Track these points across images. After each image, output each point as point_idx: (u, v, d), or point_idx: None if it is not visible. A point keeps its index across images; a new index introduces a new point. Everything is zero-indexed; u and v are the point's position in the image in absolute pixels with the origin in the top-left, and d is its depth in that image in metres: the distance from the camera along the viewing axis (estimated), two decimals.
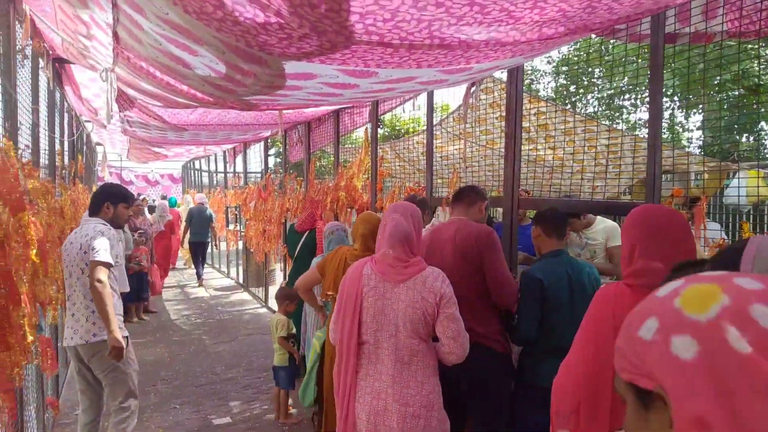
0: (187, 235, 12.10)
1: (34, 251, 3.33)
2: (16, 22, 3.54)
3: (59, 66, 5.45)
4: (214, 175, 15.38)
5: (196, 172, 17.79)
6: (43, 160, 4.77)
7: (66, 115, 6.40)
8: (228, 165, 13.45)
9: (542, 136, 5.20)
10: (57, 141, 5.50)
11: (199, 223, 11.97)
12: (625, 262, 2.19)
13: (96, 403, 4.09)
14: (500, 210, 4.45)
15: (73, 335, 3.89)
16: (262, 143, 10.47)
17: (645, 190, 3.08)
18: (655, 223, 2.11)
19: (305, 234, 6.38)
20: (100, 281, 3.72)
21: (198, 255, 12.20)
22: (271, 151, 13.65)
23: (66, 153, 6.20)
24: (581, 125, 5.09)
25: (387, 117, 10.43)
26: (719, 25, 3.06)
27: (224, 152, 13.22)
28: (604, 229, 4.55)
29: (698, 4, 3.03)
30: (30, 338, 3.03)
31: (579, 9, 2.11)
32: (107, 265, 3.79)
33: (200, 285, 12.08)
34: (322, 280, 4.01)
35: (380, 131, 6.42)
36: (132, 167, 20.42)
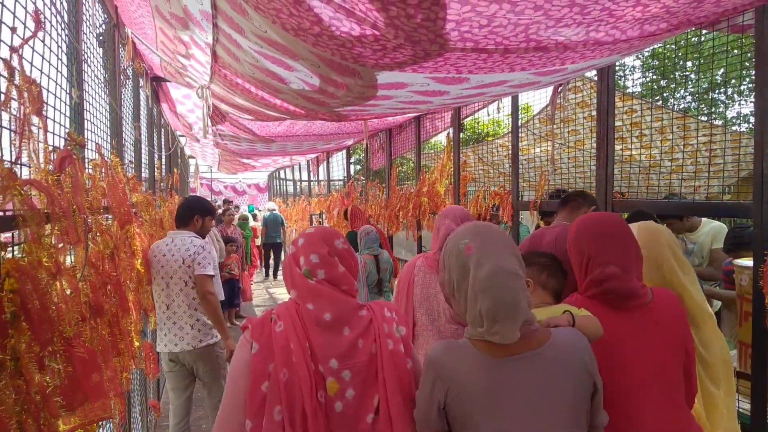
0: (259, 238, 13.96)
1: (139, 261, 3.52)
2: (120, 46, 3.77)
3: (156, 84, 5.74)
4: (298, 183, 15.76)
5: (281, 181, 18.30)
6: (144, 173, 5.03)
7: (162, 130, 6.74)
8: (311, 173, 13.78)
9: (634, 134, 5.01)
10: (156, 155, 5.79)
11: (272, 227, 13.61)
12: (581, 274, 2.14)
13: (185, 403, 4.35)
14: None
15: (178, 342, 4.13)
16: (345, 151, 10.64)
17: (753, 190, 2.90)
18: (605, 231, 2.12)
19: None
20: (211, 293, 4.00)
21: (269, 255, 14.01)
22: (353, 159, 13.87)
23: (163, 166, 6.52)
24: (676, 122, 4.86)
25: (467, 120, 10.37)
26: None
27: (308, 161, 13.54)
28: (709, 231, 4.30)
29: None
30: (136, 344, 3.19)
31: (684, 4, 2.02)
32: (212, 278, 4.05)
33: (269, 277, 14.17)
34: None
35: (461, 135, 6.38)
36: (221, 178, 21.24)
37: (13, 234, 1.71)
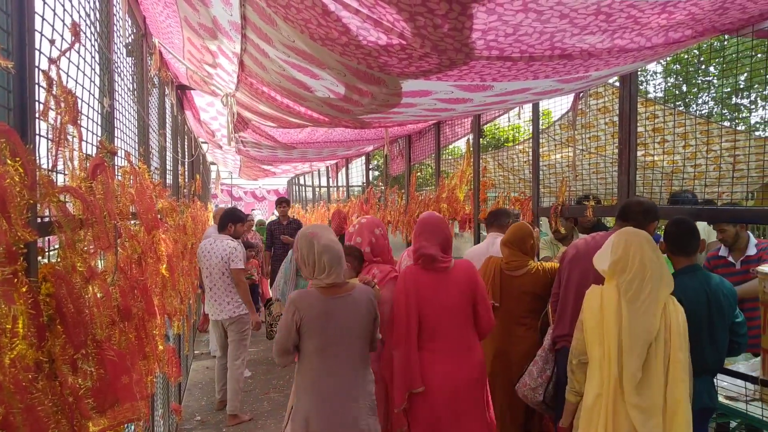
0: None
1: (164, 266, 3.58)
2: (148, 55, 3.84)
3: (180, 92, 5.83)
4: (318, 189, 15.85)
5: (301, 186, 18.40)
6: (169, 180, 5.11)
7: (186, 137, 6.83)
8: (331, 179, 13.84)
9: (657, 140, 4.98)
10: (179, 162, 5.87)
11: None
12: (414, 254, 3.41)
13: (224, 350, 5.90)
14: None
15: (220, 312, 5.64)
16: (364, 157, 10.68)
17: None
18: (424, 226, 3.41)
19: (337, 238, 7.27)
20: (242, 281, 5.61)
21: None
22: (372, 165, 13.92)
23: (187, 173, 6.61)
24: (698, 127, 4.83)
25: (487, 126, 10.35)
26: None
27: (327, 167, 13.62)
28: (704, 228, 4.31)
29: None
30: (161, 347, 3.24)
31: (709, 11, 2.02)
32: (243, 270, 5.60)
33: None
34: None
35: (481, 141, 6.38)
36: (241, 184, 21.44)
37: (49, 239, 1.75)
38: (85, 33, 2.19)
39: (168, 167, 5.01)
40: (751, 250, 4.19)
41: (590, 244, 3.45)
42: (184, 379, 6.41)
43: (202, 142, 8.98)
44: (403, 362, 3.22)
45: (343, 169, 12.03)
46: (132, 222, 2.88)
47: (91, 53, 2.29)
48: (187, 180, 6.56)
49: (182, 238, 5.07)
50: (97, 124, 2.46)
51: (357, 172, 11.76)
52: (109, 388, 1.92)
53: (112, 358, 1.95)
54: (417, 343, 3.25)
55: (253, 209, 20.38)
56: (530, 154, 5.30)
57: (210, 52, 3.24)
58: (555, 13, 1.83)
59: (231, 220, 5.73)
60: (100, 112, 2.51)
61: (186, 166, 6.57)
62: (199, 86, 4.79)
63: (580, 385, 2.81)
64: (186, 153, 6.73)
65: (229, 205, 12.49)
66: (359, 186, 11.86)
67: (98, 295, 1.93)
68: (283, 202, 8.94)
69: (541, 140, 5.79)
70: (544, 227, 6.24)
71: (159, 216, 3.54)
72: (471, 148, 6.19)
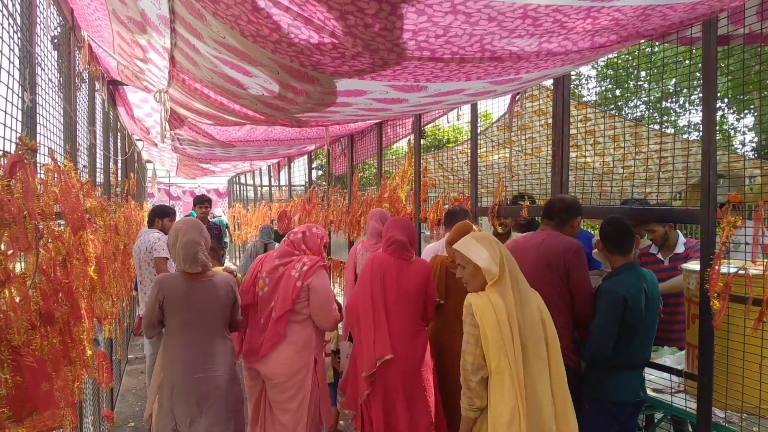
0: None
1: (92, 268, 3.45)
2: (76, 49, 3.69)
3: (113, 88, 5.64)
4: (259, 188, 15.63)
5: (242, 186, 18.11)
6: (99, 178, 4.94)
7: (119, 134, 6.61)
8: (272, 179, 13.67)
9: (589, 142, 5.14)
10: (111, 160, 5.69)
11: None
12: (384, 244, 3.95)
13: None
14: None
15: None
16: (306, 157, 10.60)
17: (701, 197, 3.02)
18: (395, 222, 4.00)
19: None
20: (166, 269, 5.44)
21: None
22: (314, 164, 13.82)
23: (119, 171, 6.40)
24: (629, 130, 5.00)
25: (429, 127, 10.45)
26: None
27: (269, 166, 13.44)
28: None
29: (753, 5, 2.95)
30: (89, 352, 3.13)
31: (632, 17, 2.09)
32: (166, 259, 5.37)
33: None
34: None
35: (422, 141, 6.44)
36: (179, 183, 20.93)
37: None
38: (1, 24, 2.08)
39: (99, 165, 4.84)
40: (680, 249, 4.37)
41: (520, 244, 3.52)
42: (117, 384, 6.20)
43: (137, 140, 8.71)
44: (372, 333, 3.70)
45: (285, 168, 11.91)
46: (56, 222, 2.77)
47: (9, 45, 2.18)
48: (119, 178, 6.36)
49: (114, 238, 4.91)
50: (18, 120, 2.35)
51: (299, 172, 11.66)
52: (27, 396, 1.84)
53: (31, 364, 1.87)
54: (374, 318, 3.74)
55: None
56: (469, 154, 5.38)
57: (140, 46, 3.15)
58: (483, 15, 1.85)
59: (157, 216, 5.88)
60: (20, 107, 2.40)
61: (119, 164, 6.37)
62: (132, 82, 4.64)
63: (481, 400, 2.64)
64: (119, 151, 6.51)
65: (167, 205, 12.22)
66: (302, 185, 11.76)
67: (16, 299, 1.85)
68: (204, 202, 7.83)
69: (480, 141, 5.89)
70: (485, 228, 6.35)
71: (87, 216, 3.42)
72: (412, 149, 6.23)
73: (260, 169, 14.56)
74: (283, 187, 12.60)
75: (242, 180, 17.69)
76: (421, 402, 3.69)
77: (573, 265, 3.25)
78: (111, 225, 4.82)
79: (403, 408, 3.67)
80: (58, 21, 3.33)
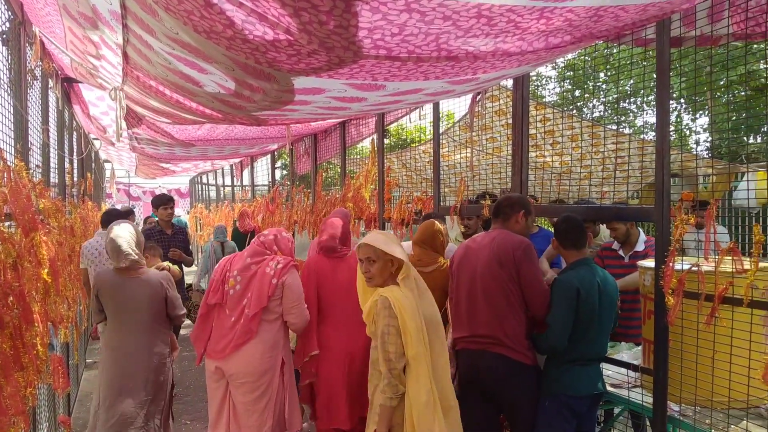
0: None
1: (46, 270, 3.36)
2: (27, 45, 3.58)
3: (68, 86, 5.50)
4: (222, 188, 15.44)
5: (204, 186, 17.86)
6: (54, 179, 4.81)
7: (75, 133, 6.45)
8: (235, 179, 13.51)
9: (548, 142, 5.21)
10: (66, 160, 5.54)
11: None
12: (318, 247, 4.12)
13: None
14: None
15: None
16: (269, 156, 10.51)
17: (654, 195, 3.08)
18: (326, 224, 4.19)
19: (248, 234, 8.28)
20: None
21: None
22: (278, 164, 13.72)
23: (75, 171, 6.24)
24: (587, 130, 5.09)
25: (392, 127, 10.46)
26: (725, 27, 3.06)
27: (231, 166, 13.29)
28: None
29: (703, 8, 3.03)
30: (43, 357, 3.04)
31: (585, 18, 2.12)
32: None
33: None
34: None
35: (387, 141, 6.44)
36: (140, 183, 20.56)
37: None
38: None
39: (53, 165, 4.72)
40: (640, 246, 4.48)
41: (473, 245, 3.54)
42: (74, 389, 6.05)
43: (94, 139, 8.51)
44: (305, 331, 3.94)
45: (248, 168, 11.79)
46: (6, 224, 2.69)
47: None
48: (75, 179, 6.20)
49: (69, 240, 4.79)
50: None
51: (263, 171, 11.55)
52: None
53: None
54: (318, 315, 3.98)
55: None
56: (432, 154, 5.40)
57: (93, 42, 3.07)
58: (438, 14, 1.86)
59: (113, 217, 5.65)
60: None
61: (74, 164, 6.21)
62: (86, 79, 4.53)
63: (403, 386, 2.82)
64: (75, 150, 6.35)
65: (127, 205, 11.95)
66: (265, 185, 11.66)
67: None
68: (167, 202, 6.65)
69: (442, 141, 5.92)
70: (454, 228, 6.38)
71: (40, 217, 3.33)
72: (376, 148, 6.23)
73: (222, 169, 14.38)
74: (246, 187, 12.47)
75: (204, 180, 17.45)
76: (364, 391, 3.72)
77: (522, 262, 3.27)
78: (66, 226, 4.70)
79: (344, 396, 3.86)
80: (7, 16, 3.23)
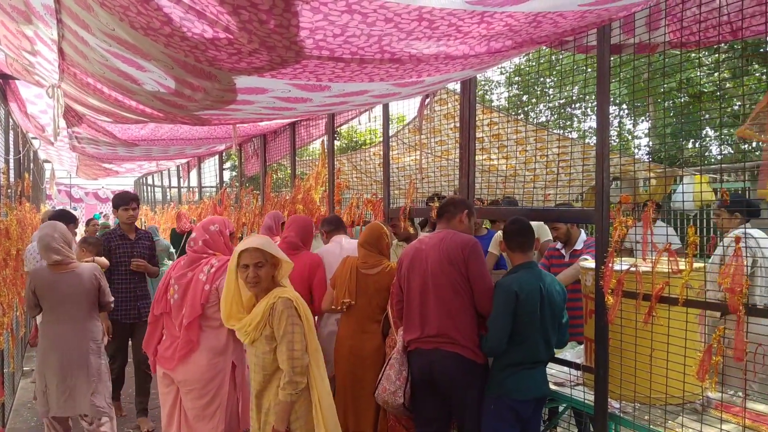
0: None
1: None
2: None
3: (3, 82, 5.28)
4: (168, 190, 15.10)
5: (149, 187, 17.43)
6: None
7: (11, 132, 6.19)
8: (182, 180, 13.23)
9: (495, 145, 5.29)
10: (2, 159, 5.32)
11: None
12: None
13: None
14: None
15: None
16: (217, 157, 10.33)
17: (595, 198, 3.15)
18: (291, 223, 4.60)
19: (185, 235, 8.17)
20: None
21: None
22: (227, 165, 13.50)
23: (12, 171, 5.99)
24: (533, 134, 5.19)
25: (344, 129, 10.44)
26: (662, 36, 3.16)
27: (178, 167, 13.00)
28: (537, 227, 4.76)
29: (642, 16, 3.12)
30: None
31: (525, 23, 2.15)
32: None
33: None
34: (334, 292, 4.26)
35: (337, 143, 6.42)
36: (82, 184, 19.95)
37: None
38: None
39: None
40: (579, 245, 4.61)
41: (422, 244, 3.56)
42: (9, 398, 5.79)
43: (33, 138, 8.19)
44: None
45: (195, 169, 11.56)
46: None
47: None
48: (12, 179, 5.95)
49: (5, 243, 4.62)
50: None
51: (210, 172, 11.33)
52: None
53: None
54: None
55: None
56: (382, 156, 5.40)
57: (27, 38, 2.95)
58: (380, 16, 1.85)
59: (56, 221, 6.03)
60: None
61: (11, 164, 5.96)
62: (22, 76, 4.35)
63: (304, 382, 2.97)
64: (11, 149, 6.09)
65: (68, 207, 11.53)
66: (213, 187, 11.45)
67: None
68: (130, 202, 5.43)
69: (392, 144, 5.93)
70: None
71: None
72: (326, 150, 6.20)
73: (168, 170, 14.06)
74: (194, 189, 12.22)
75: (150, 181, 17.03)
76: None
77: (470, 260, 3.32)
78: (1, 229, 4.54)
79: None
80: None
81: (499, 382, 3.23)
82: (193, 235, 3.87)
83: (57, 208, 10.51)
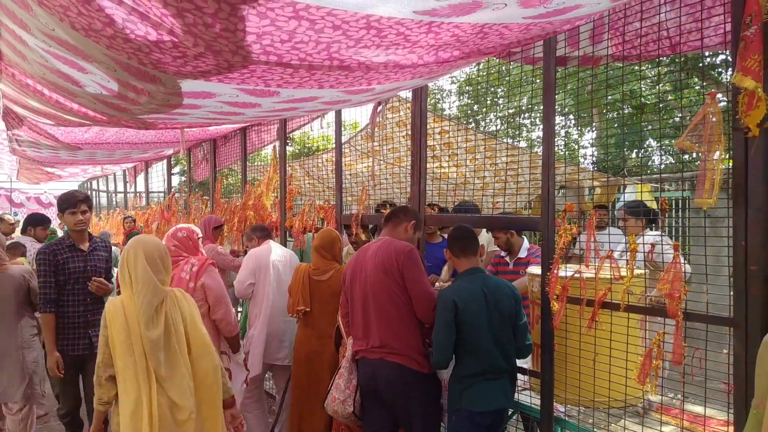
0: None
1: None
2: None
3: None
4: (114, 195, 14.69)
5: (94, 192, 16.90)
6: None
7: None
8: (128, 185, 12.88)
9: (446, 153, 5.34)
10: None
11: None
12: None
13: None
14: None
15: None
16: (165, 162, 10.11)
17: (541, 206, 3.21)
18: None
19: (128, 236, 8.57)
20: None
21: None
22: (175, 170, 13.20)
23: None
24: (482, 143, 5.26)
25: (297, 134, 10.35)
26: (605, 49, 3.26)
27: (124, 171, 12.66)
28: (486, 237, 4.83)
29: (586, 30, 3.21)
30: None
31: (471, 34, 2.19)
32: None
33: None
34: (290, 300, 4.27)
35: (290, 149, 6.38)
36: (23, 189, 19.27)
37: None
38: None
39: None
40: (522, 253, 4.68)
41: (361, 254, 3.54)
42: None
43: None
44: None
45: (143, 174, 11.28)
46: None
47: None
48: None
49: None
50: None
51: (158, 177, 11.07)
52: None
53: None
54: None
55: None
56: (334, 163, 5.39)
57: None
58: (327, 23, 1.85)
59: (30, 224, 6.60)
60: None
61: None
62: None
63: (109, 395, 2.90)
64: None
65: (8, 213, 11.07)
66: (161, 192, 11.19)
67: None
68: (78, 204, 4.13)
69: (345, 150, 5.92)
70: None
71: None
72: (278, 155, 6.14)
73: (114, 174, 13.67)
74: (141, 194, 11.92)
75: (94, 186, 16.51)
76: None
77: (406, 267, 3.25)
78: None
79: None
80: None
81: (458, 393, 3.13)
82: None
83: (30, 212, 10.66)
